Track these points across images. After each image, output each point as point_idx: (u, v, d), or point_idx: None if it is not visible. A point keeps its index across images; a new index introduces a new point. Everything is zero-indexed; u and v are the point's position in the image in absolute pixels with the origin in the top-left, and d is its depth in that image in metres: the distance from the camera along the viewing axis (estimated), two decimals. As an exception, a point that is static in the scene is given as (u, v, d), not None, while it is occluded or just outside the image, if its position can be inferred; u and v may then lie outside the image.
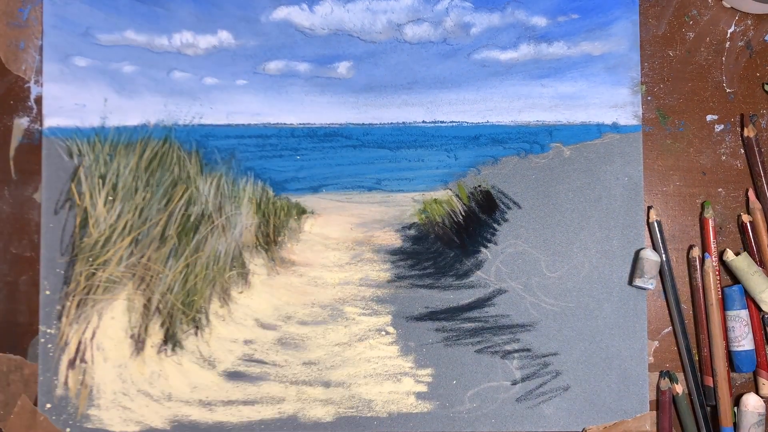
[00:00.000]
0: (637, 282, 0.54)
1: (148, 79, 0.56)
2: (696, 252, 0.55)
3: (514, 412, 0.56)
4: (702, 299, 0.55)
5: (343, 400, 0.56)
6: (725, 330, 0.55)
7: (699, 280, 0.55)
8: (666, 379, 0.55)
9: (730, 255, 0.55)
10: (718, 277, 0.55)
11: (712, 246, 0.56)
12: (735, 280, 0.56)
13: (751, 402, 0.54)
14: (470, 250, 0.57)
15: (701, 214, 0.57)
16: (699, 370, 0.56)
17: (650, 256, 0.54)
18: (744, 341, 0.55)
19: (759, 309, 0.55)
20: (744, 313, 0.55)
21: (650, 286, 0.55)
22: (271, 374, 0.56)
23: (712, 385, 0.55)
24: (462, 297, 0.56)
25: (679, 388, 0.55)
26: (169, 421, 0.55)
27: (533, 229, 0.57)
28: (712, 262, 0.55)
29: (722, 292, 0.56)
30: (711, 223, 0.56)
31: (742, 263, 0.54)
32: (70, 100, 0.56)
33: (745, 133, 0.56)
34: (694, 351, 0.56)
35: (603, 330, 0.56)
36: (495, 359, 0.56)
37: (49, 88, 0.56)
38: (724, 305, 0.55)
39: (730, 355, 0.55)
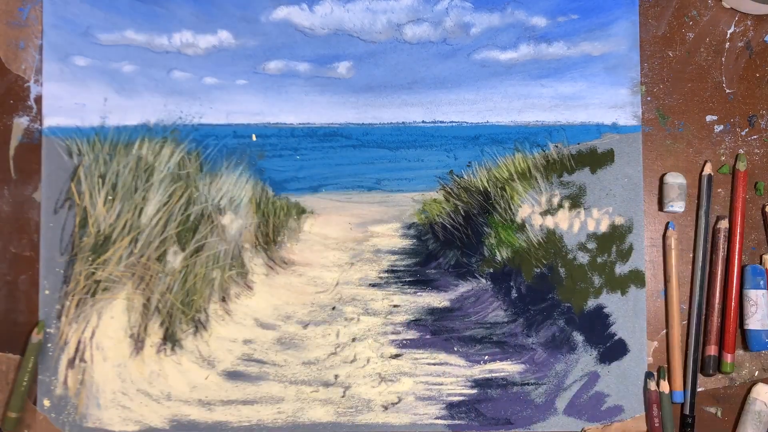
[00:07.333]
0: (666, 208, 0.56)
1: (148, 78, 0.56)
2: (723, 224, 0.56)
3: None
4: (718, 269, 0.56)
5: (343, 400, 0.55)
6: (739, 306, 0.56)
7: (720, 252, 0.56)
8: (650, 379, 0.55)
9: None
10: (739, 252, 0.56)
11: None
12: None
13: (764, 390, 0.55)
14: (469, 250, 0.57)
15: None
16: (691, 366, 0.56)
17: (672, 181, 0.55)
18: (749, 320, 0.55)
19: None
20: (753, 293, 0.55)
21: (679, 209, 0.56)
22: (271, 374, 0.56)
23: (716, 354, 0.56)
24: (461, 296, 0.56)
25: (666, 386, 0.55)
26: (169, 420, 0.55)
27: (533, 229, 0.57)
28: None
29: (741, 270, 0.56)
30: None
31: None
32: (70, 100, 0.56)
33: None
34: (691, 349, 0.56)
35: (602, 330, 0.56)
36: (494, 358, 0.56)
37: (49, 87, 0.56)
38: (742, 283, 0.56)
39: (744, 332, 0.56)
